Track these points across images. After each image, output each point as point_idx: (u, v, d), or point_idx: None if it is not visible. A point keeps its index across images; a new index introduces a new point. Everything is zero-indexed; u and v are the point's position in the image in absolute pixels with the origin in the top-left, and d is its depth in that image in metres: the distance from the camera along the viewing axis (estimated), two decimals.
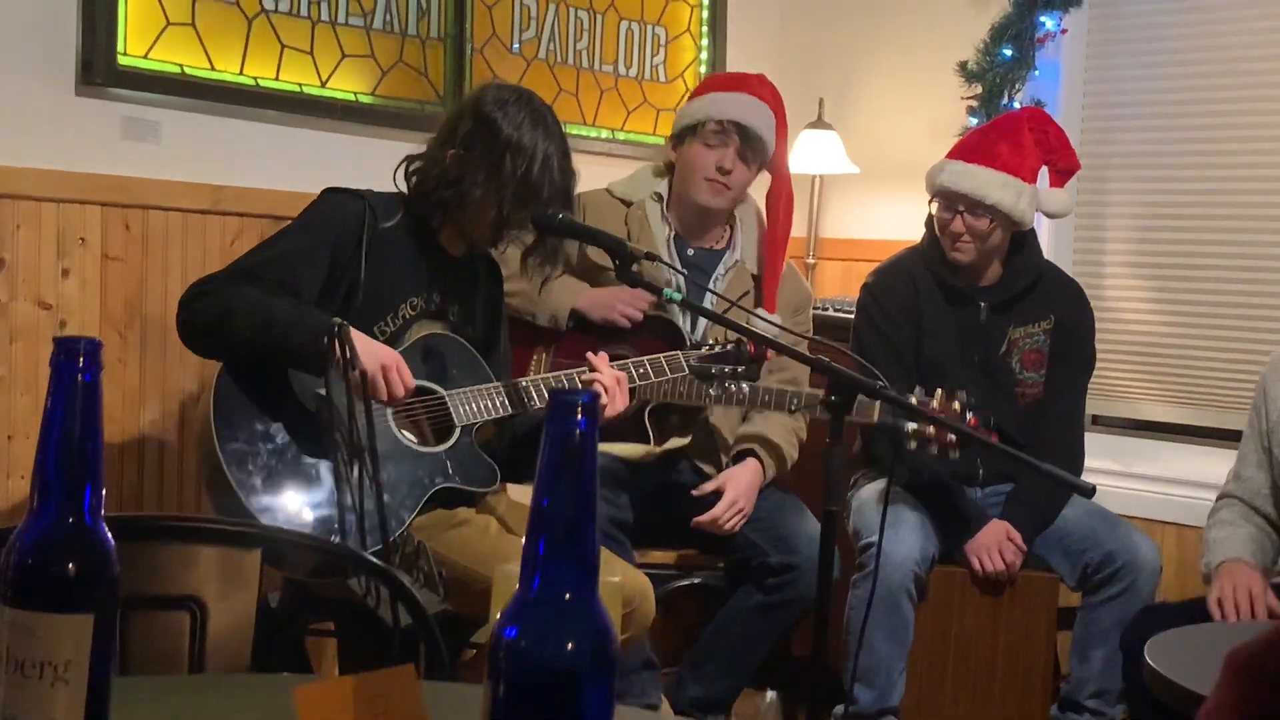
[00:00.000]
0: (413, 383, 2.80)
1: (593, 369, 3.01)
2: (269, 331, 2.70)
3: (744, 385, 3.29)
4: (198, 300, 2.78)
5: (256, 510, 2.68)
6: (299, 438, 2.79)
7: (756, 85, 3.67)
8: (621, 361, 3.15)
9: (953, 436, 3.10)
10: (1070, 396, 3.74)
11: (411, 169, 2.98)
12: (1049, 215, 3.82)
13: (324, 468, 2.79)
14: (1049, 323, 3.71)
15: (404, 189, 2.99)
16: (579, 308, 3.53)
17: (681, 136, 3.65)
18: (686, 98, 3.86)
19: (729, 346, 3.22)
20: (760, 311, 3.50)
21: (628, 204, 3.69)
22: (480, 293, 3.13)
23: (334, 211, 2.91)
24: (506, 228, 2.93)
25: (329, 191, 2.97)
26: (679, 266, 3.60)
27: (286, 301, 2.75)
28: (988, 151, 3.61)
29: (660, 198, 3.69)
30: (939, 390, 3.14)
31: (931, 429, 3.13)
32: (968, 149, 3.68)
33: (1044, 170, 3.73)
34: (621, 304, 3.50)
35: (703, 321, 3.61)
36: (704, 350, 3.24)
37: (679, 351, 3.24)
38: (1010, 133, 3.66)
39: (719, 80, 3.83)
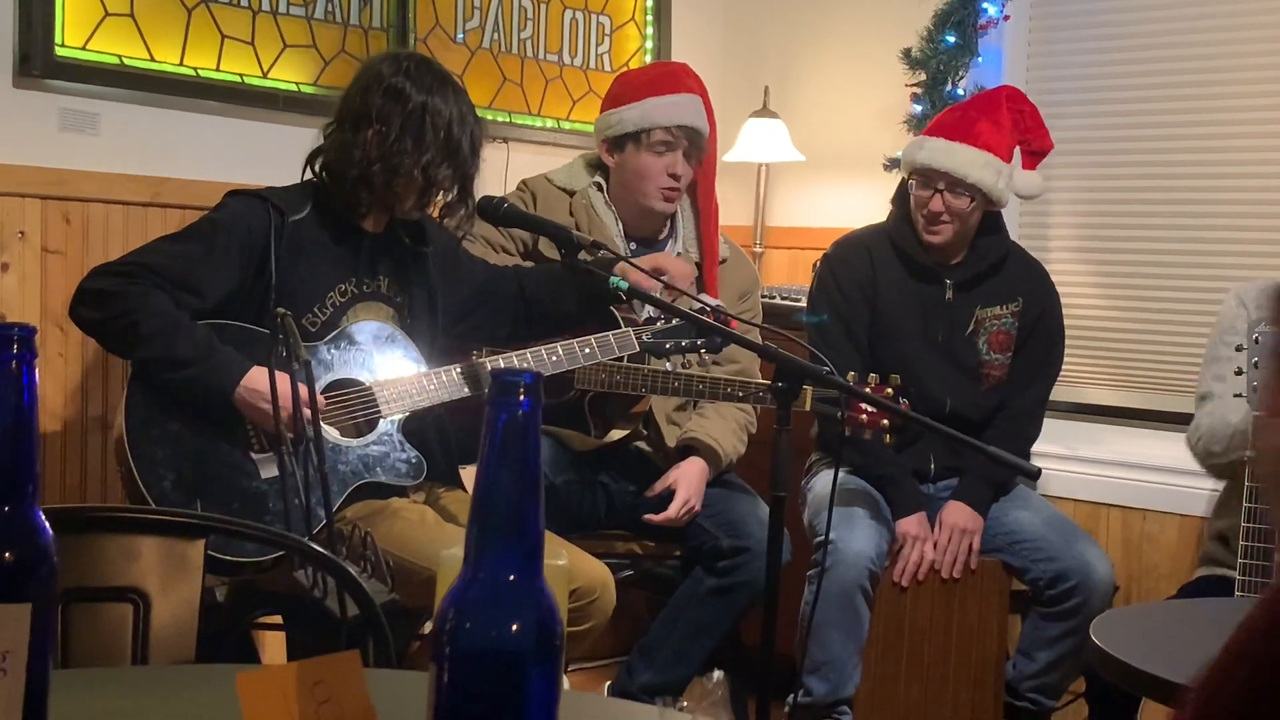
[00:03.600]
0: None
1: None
2: (173, 372, 2.75)
3: (686, 374, 3.27)
4: (104, 302, 2.76)
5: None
6: (222, 432, 2.82)
7: (686, 78, 3.62)
8: (567, 343, 3.12)
9: (885, 420, 3.13)
10: (1038, 384, 3.70)
11: (325, 160, 2.97)
12: (1021, 196, 3.76)
13: (252, 459, 2.82)
14: (1017, 305, 3.66)
15: (312, 180, 2.99)
16: None
17: (620, 143, 3.58)
18: (611, 98, 3.64)
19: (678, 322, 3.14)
20: (705, 297, 3.47)
21: (569, 193, 3.67)
22: (409, 260, 3.11)
23: (238, 216, 2.90)
24: (433, 192, 2.97)
25: (231, 194, 2.97)
26: (629, 254, 3.57)
27: (198, 331, 2.77)
28: (968, 129, 3.56)
29: (601, 187, 3.66)
30: (872, 375, 3.15)
31: (864, 417, 3.17)
32: (946, 126, 3.61)
33: (1016, 151, 3.67)
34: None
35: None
36: (658, 325, 3.18)
37: (629, 329, 3.18)
38: (989, 110, 3.61)
39: (650, 80, 3.65)
